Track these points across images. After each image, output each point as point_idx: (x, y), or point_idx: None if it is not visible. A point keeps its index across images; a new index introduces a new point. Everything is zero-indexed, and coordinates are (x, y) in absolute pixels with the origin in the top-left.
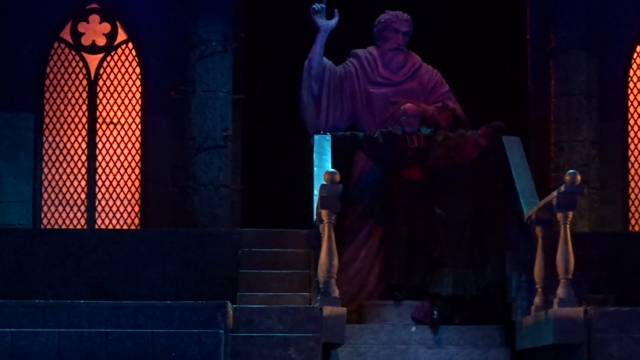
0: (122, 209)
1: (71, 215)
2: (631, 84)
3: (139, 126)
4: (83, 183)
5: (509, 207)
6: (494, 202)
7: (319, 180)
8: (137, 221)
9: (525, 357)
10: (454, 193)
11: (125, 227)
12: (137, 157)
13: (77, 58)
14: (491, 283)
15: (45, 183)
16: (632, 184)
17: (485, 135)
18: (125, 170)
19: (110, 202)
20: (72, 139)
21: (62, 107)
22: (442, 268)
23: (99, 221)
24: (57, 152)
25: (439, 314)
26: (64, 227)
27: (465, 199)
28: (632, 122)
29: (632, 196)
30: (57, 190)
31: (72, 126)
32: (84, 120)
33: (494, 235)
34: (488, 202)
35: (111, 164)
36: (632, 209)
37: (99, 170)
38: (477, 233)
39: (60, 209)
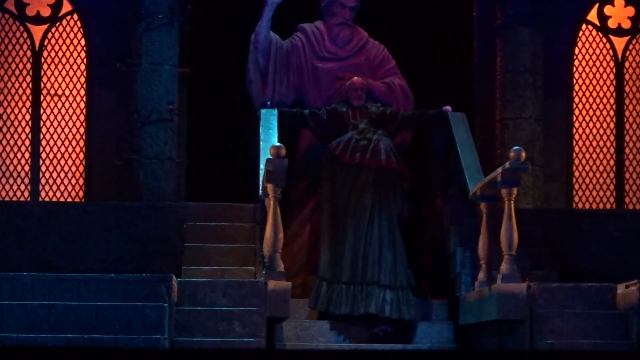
0: (66, 181)
1: (14, 187)
2: (576, 62)
3: (84, 98)
4: (27, 155)
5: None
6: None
7: (265, 154)
8: (81, 194)
9: (469, 332)
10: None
11: (69, 199)
12: (82, 130)
13: (22, 29)
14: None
15: None
16: (576, 161)
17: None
18: (70, 142)
19: (55, 175)
20: (16, 110)
21: (5, 78)
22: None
23: (42, 194)
24: (1, 123)
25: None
26: (7, 199)
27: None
28: (576, 100)
29: (576, 174)
30: (0, 162)
31: (16, 97)
32: (28, 91)
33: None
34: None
35: (55, 136)
36: (576, 186)
37: (43, 143)
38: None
39: (3, 181)
